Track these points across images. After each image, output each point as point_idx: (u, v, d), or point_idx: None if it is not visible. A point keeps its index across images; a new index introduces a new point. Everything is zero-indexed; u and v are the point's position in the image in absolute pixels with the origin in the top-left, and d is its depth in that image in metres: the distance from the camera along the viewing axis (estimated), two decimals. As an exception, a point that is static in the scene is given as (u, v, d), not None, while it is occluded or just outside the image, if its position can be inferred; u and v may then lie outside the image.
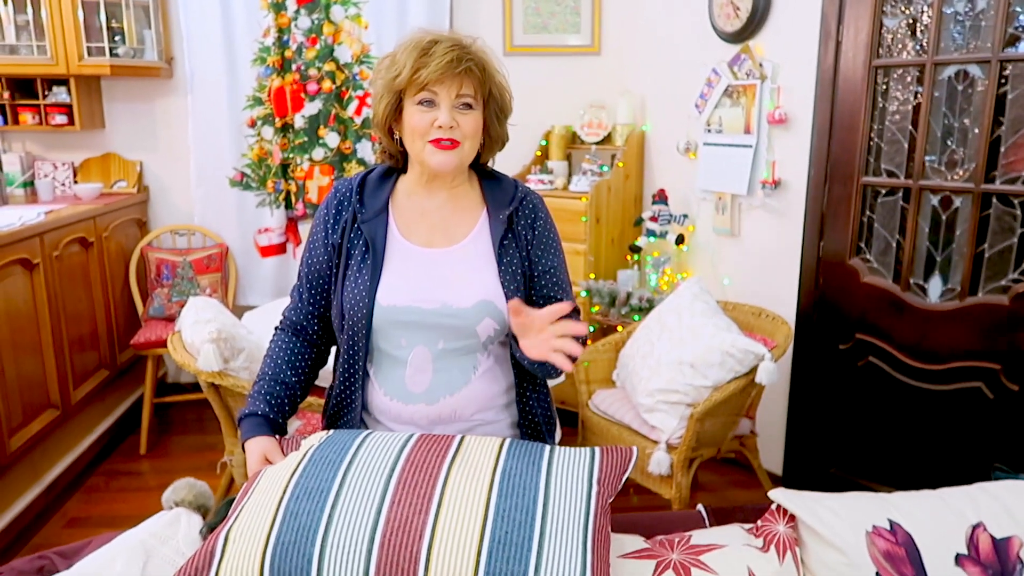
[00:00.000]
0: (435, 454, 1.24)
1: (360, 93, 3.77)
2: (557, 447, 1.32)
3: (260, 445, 1.37)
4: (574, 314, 1.43)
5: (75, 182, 3.79)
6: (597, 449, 1.31)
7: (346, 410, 1.48)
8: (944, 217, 2.50)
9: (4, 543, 2.62)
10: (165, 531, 1.28)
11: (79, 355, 3.21)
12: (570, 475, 1.23)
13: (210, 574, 1.12)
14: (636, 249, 3.48)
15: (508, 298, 1.38)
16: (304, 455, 1.27)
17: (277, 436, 1.41)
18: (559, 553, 1.11)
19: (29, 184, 3.75)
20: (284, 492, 1.20)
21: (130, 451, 3.43)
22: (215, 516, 1.42)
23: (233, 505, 1.27)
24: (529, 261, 1.45)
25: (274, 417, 1.42)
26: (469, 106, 1.35)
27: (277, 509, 1.17)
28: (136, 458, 3.38)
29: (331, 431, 1.37)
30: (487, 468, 1.22)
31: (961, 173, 2.44)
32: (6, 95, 3.50)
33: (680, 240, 3.32)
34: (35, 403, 2.88)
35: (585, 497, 1.20)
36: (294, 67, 3.66)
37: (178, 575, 1.14)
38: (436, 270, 1.40)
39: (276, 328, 1.54)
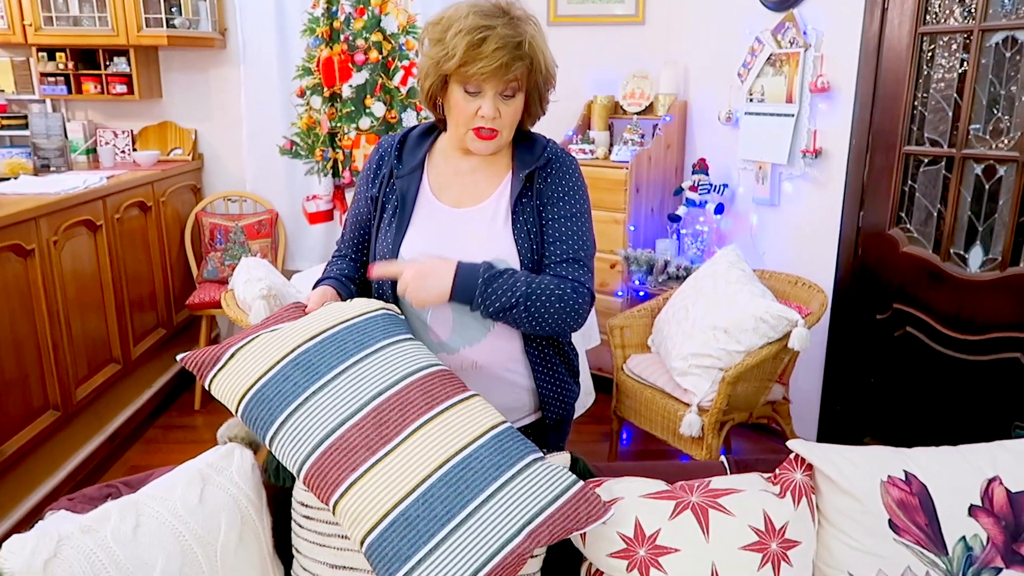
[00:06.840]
0: (428, 399, 1.24)
1: (406, 63, 3.83)
2: (544, 458, 1.23)
3: (328, 290, 1.48)
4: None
5: (134, 149, 3.95)
6: (575, 487, 1.19)
7: None
8: (987, 186, 2.48)
9: (71, 486, 2.80)
10: (220, 463, 1.38)
11: (139, 314, 3.38)
12: (524, 499, 1.15)
13: (210, 373, 1.32)
14: (675, 218, 3.51)
15: (521, 257, 1.42)
16: (338, 324, 1.33)
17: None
18: (455, 557, 1.10)
19: (91, 151, 3.93)
20: (294, 350, 1.29)
21: (185, 406, 3.61)
22: (269, 457, 1.53)
23: (260, 322, 1.41)
24: (541, 217, 1.45)
25: (344, 283, 1.53)
26: (513, 93, 1.37)
27: (278, 361, 1.28)
28: (191, 412, 3.55)
29: (384, 310, 1.41)
30: (458, 442, 1.19)
31: (1006, 141, 2.41)
32: (70, 65, 3.67)
33: (720, 209, 3.33)
34: (99, 358, 3.05)
35: (523, 523, 1.13)
36: (342, 37, 3.73)
37: (187, 358, 1.36)
38: (457, 229, 1.44)
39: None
